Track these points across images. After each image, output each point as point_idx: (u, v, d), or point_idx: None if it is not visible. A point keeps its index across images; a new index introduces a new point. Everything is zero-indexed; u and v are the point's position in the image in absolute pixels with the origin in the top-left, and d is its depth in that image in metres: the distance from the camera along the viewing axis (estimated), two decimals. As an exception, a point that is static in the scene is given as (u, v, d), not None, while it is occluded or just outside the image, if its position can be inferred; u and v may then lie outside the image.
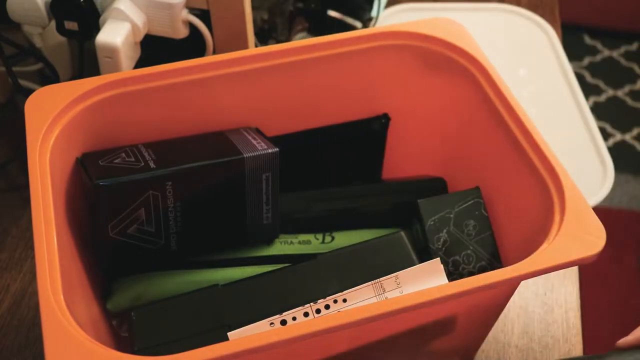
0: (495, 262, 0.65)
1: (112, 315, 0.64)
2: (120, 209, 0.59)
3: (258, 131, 0.67)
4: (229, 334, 0.55)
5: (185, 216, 0.62)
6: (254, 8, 0.84)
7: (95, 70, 0.76)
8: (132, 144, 0.65)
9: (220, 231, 0.64)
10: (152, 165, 0.60)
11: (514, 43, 1.05)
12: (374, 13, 0.96)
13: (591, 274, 1.66)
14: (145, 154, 0.61)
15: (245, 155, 0.61)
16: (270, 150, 0.62)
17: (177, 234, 0.62)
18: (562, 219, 0.55)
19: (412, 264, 0.59)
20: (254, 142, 0.64)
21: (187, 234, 0.63)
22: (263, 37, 0.92)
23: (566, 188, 0.56)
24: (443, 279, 0.57)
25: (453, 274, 0.63)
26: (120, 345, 0.62)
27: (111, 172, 0.59)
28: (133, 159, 0.61)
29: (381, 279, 0.57)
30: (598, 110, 2.07)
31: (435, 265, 0.57)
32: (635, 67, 2.21)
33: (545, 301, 0.76)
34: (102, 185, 0.57)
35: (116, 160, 0.60)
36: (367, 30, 0.68)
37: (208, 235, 0.64)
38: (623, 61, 2.23)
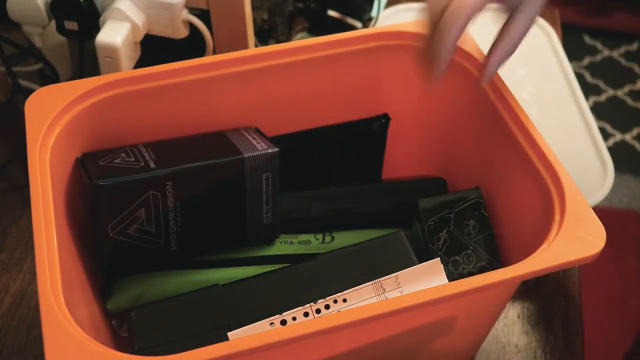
0: (495, 262, 0.65)
1: (112, 315, 0.64)
2: (120, 209, 0.59)
3: (258, 131, 0.67)
4: (229, 334, 0.55)
5: (185, 216, 0.62)
6: (254, 8, 0.84)
7: (95, 70, 0.76)
8: (132, 144, 0.65)
9: (220, 231, 0.64)
10: (152, 165, 0.60)
11: (514, 43, 1.05)
12: (374, 13, 0.96)
13: (591, 274, 1.66)
14: (145, 154, 0.61)
15: (245, 155, 0.61)
16: (270, 150, 0.62)
17: (177, 234, 0.62)
18: (562, 219, 0.55)
19: (412, 264, 0.59)
20: (254, 142, 0.64)
21: (187, 234, 0.63)
22: (263, 37, 0.92)
23: (566, 188, 0.56)
24: (443, 279, 0.57)
25: (453, 274, 0.63)
26: (120, 345, 0.62)
27: (111, 172, 0.59)
28: (133, 159, 0.61)
29: (381, 279, 0.57)
30: (598, 110, 2.07)
31: (435, 265, 0.57)
32: (635, 67, 2.21)
33: (545, 301, 0.76)
34: (102, 185, 0.57)
35: (116, 160, 0.60)
36: (367, 30, 0.68)
37: (208, 235, 0.64)
38: (623, 61, 2.23)
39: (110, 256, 0.61)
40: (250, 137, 0.65)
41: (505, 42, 0.61)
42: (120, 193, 0.58)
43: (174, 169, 0.60)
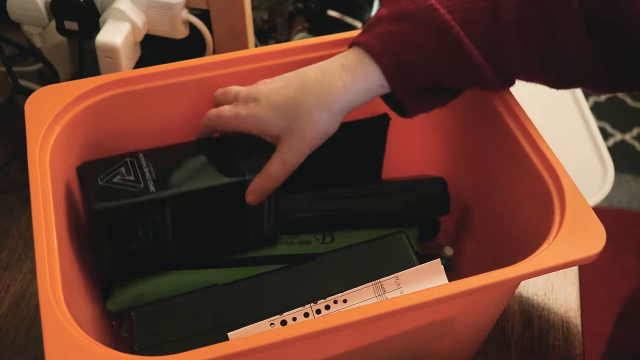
0: None
1: (112, 315, 0.64)
2: (119, 231, 0.59)
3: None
4: (229, 334, 0.55)
5: (185, 233, 0.62)
6: (254, 8, 0.84)
7: (95, 70, 0.77)
8: (131, 143, 0.65)
9: (220, 242, 0.64)
10: (151, 188, 0.59)
11: (514, 43, 1.05)
12: (373, 13, 0.96)
13: (591, 274, 1.66)
14: (146, 170, 0.60)
15: (247, 178, 0.61)
16: None
17: (177, 246, 0.62)
18: (562, 219, 0.55)
19: (412, 264, 0.59)
20: (258, 158, 0.62)
21: (185, 247, 0.63)
22: (263, 37, 0.92)
23: (566, 188, 0.56)
24: (443, 279, 0.57)
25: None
26: (120, 345, 0.62)
27: (109, 194, 0.58)
28: (132, 178, 0.60)
29: (381, 279, 0.57)
30: (598, 110, 2.07)
31: (435, 266, 0.57)
32: (635, 67, 2.21)
33: (545, 301, 0.76)
34: (100, 209, 0.57)
35: (115, 179, 0.60)
36: (367, 30, 0.68)
37: (208, 247, 0.64)
38: (623, 61, 2.22)
39: (109, 272, 0.62)
40: (253, 153, 0.63)
41: (259, 178, 0.60)
42: (118, 216, 0.58)
43: (173, 193, 0.59)
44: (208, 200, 0.61)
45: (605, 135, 2.01)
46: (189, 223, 0.61)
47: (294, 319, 0.55)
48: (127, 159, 0.62)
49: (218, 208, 0.62)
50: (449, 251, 0.72)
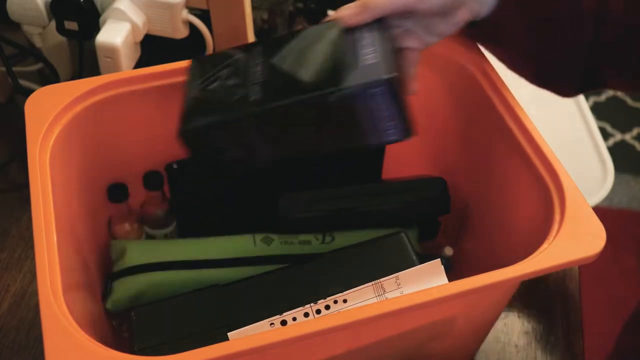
0: None
1: (112, 315, 0.64)
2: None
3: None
4: (229, 334, 0.55)
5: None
6: (254, 8, 0.84)
7: (95, 70, 0.77)
8: (131, 143, 0.65)
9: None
10: (252, 95, 0.58)
11: (514, 43, 1.05)
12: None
13: (591, 274, 1.66)
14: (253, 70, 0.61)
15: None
16: None
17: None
18: (562, 219, 0.55)
19: (412, 265, 0.59)
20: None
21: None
22: (263, 37, 0.92)
23: (566, 188, 0.56)
24: (443, 279, 0.57)
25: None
26: (120, 345, 0.62)
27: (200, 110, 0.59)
28: (235, 81, 0.60)
29: (381, 279, 0.57)
30: (598, 110, 2.07)
31: (435, 266, 0.57)
32: (635, 67, 2.20)
33: (545, 301, 0.76)
34: (183, 133, 0.58)
35: (211, 87, 0.60)
36: (367, 30, 0.68)
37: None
38: (623, 61, 2.22)
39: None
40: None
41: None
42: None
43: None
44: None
45: (605, 135, 2.01)
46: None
47: (294, 319, 0.55)
48: (238, 55, 0.62)
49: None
50: (449, 251, 0.72)
